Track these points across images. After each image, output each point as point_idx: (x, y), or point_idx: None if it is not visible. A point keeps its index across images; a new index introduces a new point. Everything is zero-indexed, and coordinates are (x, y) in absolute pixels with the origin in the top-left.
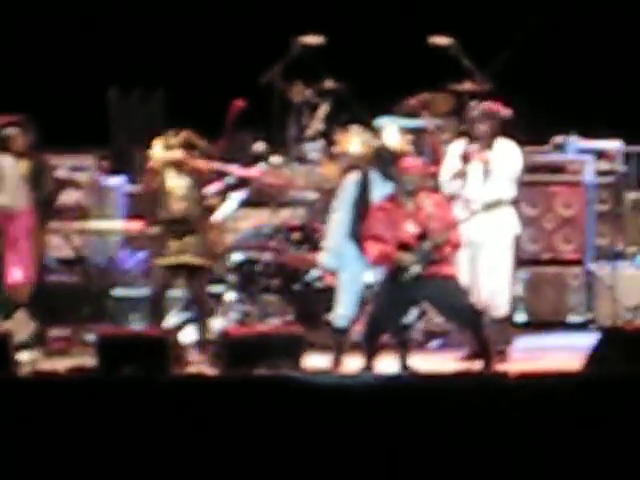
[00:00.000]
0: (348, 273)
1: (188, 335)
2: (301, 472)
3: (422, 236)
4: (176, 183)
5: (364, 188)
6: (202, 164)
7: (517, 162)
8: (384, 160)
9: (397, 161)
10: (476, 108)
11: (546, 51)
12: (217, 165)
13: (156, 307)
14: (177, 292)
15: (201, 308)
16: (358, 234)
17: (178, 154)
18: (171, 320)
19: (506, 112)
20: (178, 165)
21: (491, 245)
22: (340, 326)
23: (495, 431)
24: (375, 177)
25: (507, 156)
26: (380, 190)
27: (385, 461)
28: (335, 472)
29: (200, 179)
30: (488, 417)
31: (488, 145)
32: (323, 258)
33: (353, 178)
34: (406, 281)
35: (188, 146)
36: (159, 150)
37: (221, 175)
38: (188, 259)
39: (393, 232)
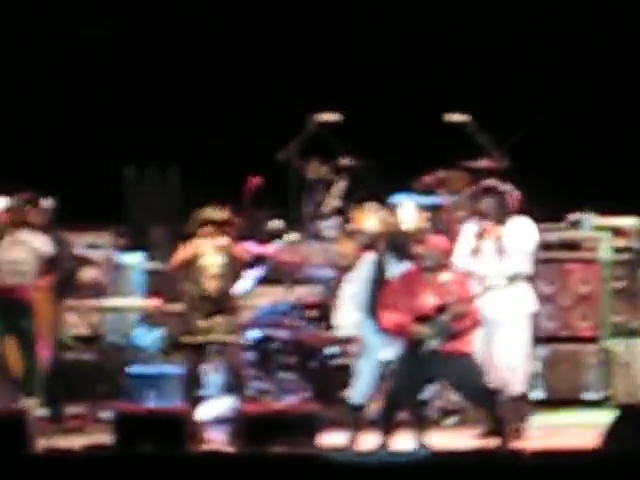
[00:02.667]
0: (365, 351)
1: (207, 412)
2: None
3: (441, 308)
4: (211, 261)
5: (380, 269)
6: (241, 249)
7: (531, 238)
8: (398, 242)
9: (412, 241)
10: (480, 186)
11: (562, 129)
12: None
13: (190, 386)
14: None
15: (237, 380)
16: (374, 311)
17: (224, 241)
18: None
19: (506, 187)
20: (218, 234)
21: (508, 322)
22: (356, 404)
23: None
24: (390, 258)
25: (521, 232)
26: (395, 270)
27: None
28: None
29: (237, 261)
30: None
31: (499, 221)
32: (339, 331)
33: (369, 259)
34: (423, 355)
35: (227, 225)
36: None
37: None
38: (217, 337)
39: (411, 303)
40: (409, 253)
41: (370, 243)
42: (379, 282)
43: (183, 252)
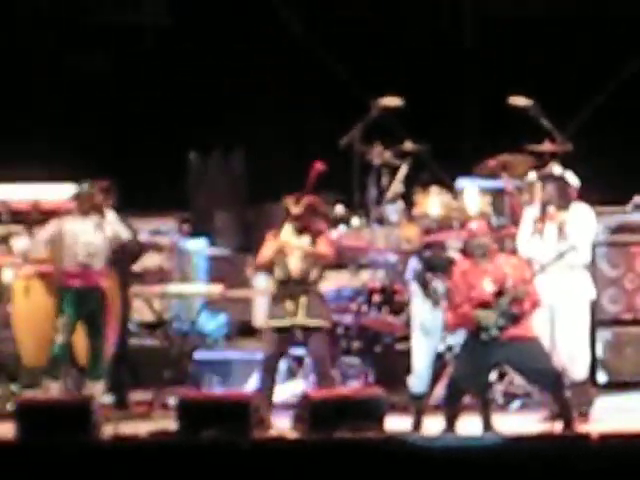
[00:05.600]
0: (425, 338)
1: (279, 396)
2: None
3: (500, 293)
4: (296, 243)
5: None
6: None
7: (591, 225)
8: (435, 264)
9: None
10: (543, 172)
11: (626, 111)
12: None
13: (268, 372)
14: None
15: (322, 368)
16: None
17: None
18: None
19: (568, 175)
20: (303, 228)
21: (568, 308)
22: (417, 392)
23: None
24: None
25: (581, 219)
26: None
27: None
28: None
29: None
30: (571, 477)
31: (560, 207)
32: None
33: (413, 264)
34: (487, 340)
35: (312, 212)
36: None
37: None
38: (303, 321)
39: (471, 293)
40: (445, 262)
41: (434, 227)
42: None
43: (270, 246)
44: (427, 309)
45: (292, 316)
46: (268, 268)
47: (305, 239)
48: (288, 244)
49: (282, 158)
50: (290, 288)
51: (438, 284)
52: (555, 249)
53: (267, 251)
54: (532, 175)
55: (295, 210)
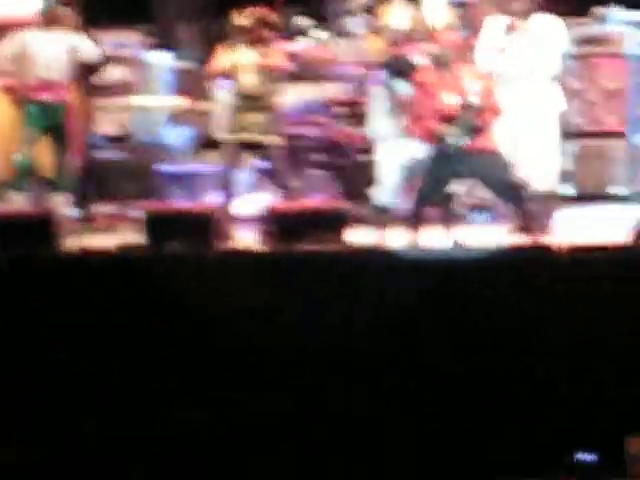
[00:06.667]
0: (390, 152)
1: (242, 209)
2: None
3: (463, 106)
4: (249, 58)
5: (389, 94)
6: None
7: (560, 35)
8: (399, 68)
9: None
10: None
11: None
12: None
13: (227, 182)
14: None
15: (281, 181)
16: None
17: (261, 47)
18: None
19: None
20: (254, 40)
21: (537, 119)
22: (382, 204)
23: (541, 303)
24: (396, 82)
25: (549, 29)
26: (405, 89)
27: (437, 330)
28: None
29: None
30: (534, 289)
31: (527, 18)
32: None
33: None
34: (451, 153)
35: (261, 23)
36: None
37: None
38: (258, 137)
39: (434, 106)
40: (412, 68)
41: (398, 40)
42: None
43: (221, 60)
44: (390, 122)
45: (249, 131)
46: (222, 78)
47: (257, 52)
48: (238, 60)
49: None
50: (245, 103)
51: (403, 86)
52: (522, 60)
53: (217, 63)
54: None
55: (244, 22)
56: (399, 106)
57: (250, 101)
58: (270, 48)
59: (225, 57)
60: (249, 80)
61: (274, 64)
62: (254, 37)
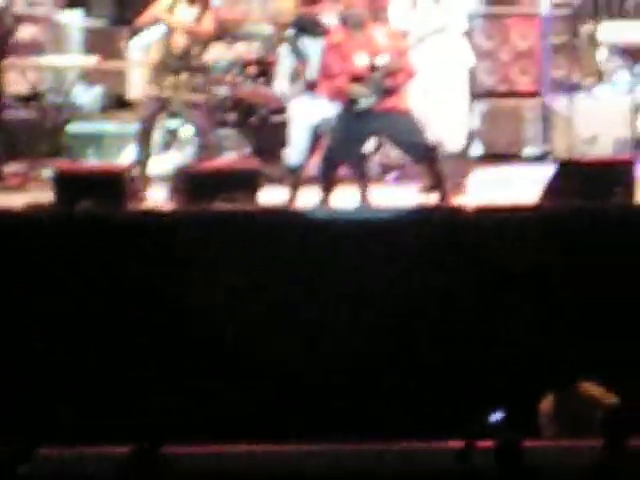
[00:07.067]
0: (299, 114)
1: (154, 169)
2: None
3: (374, 67)
4: (182, 17)
5: (297, 53)
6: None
7: None
8: (306, 21)
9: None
10: None
11: None
12: None
13: (143, 138)
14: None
15: (205, 140)
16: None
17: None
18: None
19: None
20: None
21: (445, 77)
22: (293, 164)
23: (451, 264)
24: (305, 40)
25: None
26: (314, 47)
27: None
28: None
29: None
30: (444, 251)
31: None
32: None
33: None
34: (360, 112)
35: None
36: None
37: None
38: (183, 95)
39: (344, 66)
40: (322, 29)
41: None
42: (301, 62)
43: (154, 8)
44: (295, 81)
45: (173, 89)
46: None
47: (192, 12)
48: (170, 19)
49: None
50: (172, 62)
51: (310, 44)
52: (431, 19)
53: (148, 16)
54: None
55: None
56: (302, 65)
57: (175, 61)
58: (205, 11)
59: (154, 12)
60: (176, 40)
61: (202, 30)
62: None
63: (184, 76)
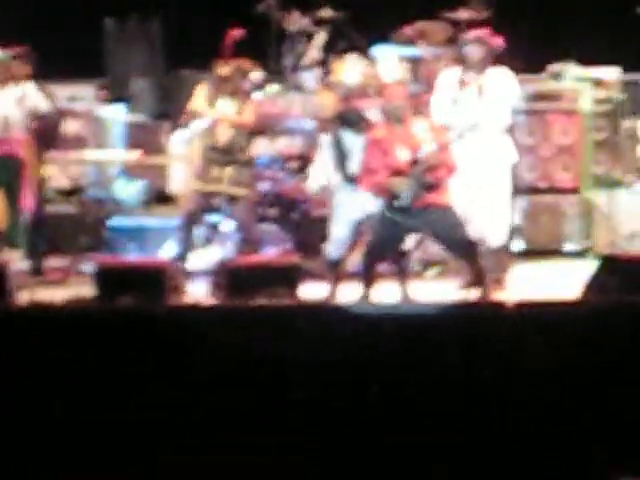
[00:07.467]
0: (339, 208)
1: (195, 264)
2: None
3: (415, 161)
4: (224, 111)
5: (338, 147)
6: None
7: (512, 88)
8: (351, 117)
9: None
10: (469, 35)
11: None
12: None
13: (186, 233)
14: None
15: (247, 235)
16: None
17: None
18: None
19: (497, 41)
20: (231, 92)
21: (488, 173)
22: (333, 258)
23: (492, 360)
24: (346, 134)
25: (501, 82)
26: (355, 143)
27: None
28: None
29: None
30: (485, 346)
31: (481, 72)
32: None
33: (326, 140)
34: (401, 207)
35: (241, 73)
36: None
37: None
38: (228, 189)
39: (386, 161)
40: (364, 123)
41: (350, 95)
42: (341, 158)
43: (194, 103)
44: (338, 173)
45: (217, 183)
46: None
47: (233, 105)
48: (213, 113)
49: (199, 25)
50: (217, 156)
51: (352, 139)
52: (474, 114)
53: (190, 111)
54: (466, 39)
55: (224, 71)
56: (346, 157)
57: (221, 154)
58: (245, 103)
59: (203, 100)
60: (221, 133)
61: (242, 122)
62: (233, 87)
63: (229, 170)
